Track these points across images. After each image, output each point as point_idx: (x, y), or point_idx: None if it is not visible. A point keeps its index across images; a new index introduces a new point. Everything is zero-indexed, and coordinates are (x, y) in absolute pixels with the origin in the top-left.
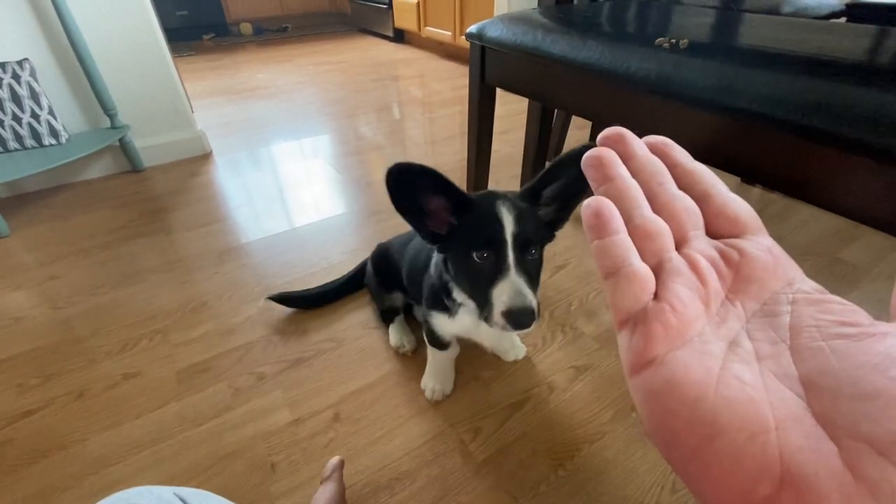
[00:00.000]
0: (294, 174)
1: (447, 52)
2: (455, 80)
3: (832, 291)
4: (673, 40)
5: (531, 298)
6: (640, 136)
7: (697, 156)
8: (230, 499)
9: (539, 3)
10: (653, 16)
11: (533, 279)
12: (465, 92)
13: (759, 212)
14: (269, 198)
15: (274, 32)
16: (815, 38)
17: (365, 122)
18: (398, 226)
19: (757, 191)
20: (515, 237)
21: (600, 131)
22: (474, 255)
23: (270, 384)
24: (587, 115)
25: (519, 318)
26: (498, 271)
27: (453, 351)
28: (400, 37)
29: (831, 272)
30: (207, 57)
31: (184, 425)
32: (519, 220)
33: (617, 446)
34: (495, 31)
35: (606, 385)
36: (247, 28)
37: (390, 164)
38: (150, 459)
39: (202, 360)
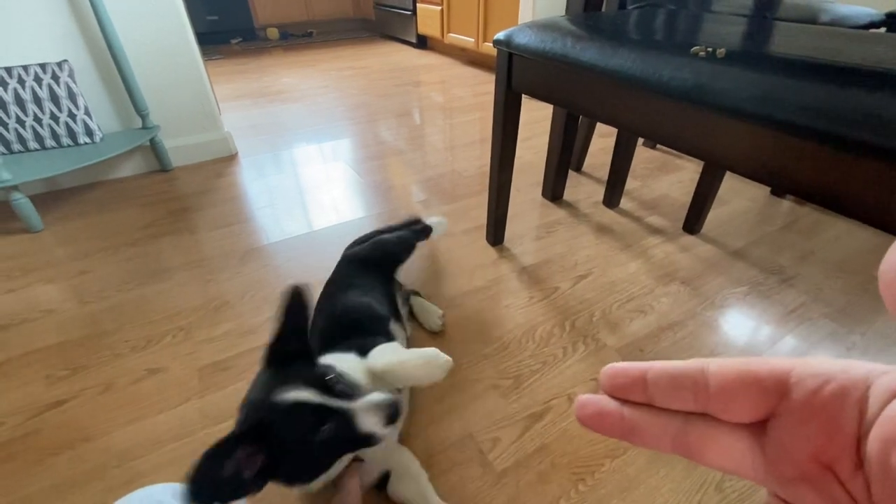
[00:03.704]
0: (316, 177)
1: (470, 58)
2: (477, 87)
3: (867, 312)
4: (709, 49)
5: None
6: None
7: (734, 167)
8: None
9: (567, 11)
10: (684, 24)
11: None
12: (487, 98)
13: (789, 225)
14: (292, 200)
15: (299, 37)
16: (857, 48)
17: (386, 127)
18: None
19: (787, 203)
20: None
21: (625, 139)
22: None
23: None
24: (617, 123)
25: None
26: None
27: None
28: (423, 43)
29: (866, 290)
30: (235, 61)
31: (205, 423)
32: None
33: (639, 463)
34: (523, 38)
35: None
36: (273, 33)
37: (411, 168)
38: (172, 455)
39: (224, 358)
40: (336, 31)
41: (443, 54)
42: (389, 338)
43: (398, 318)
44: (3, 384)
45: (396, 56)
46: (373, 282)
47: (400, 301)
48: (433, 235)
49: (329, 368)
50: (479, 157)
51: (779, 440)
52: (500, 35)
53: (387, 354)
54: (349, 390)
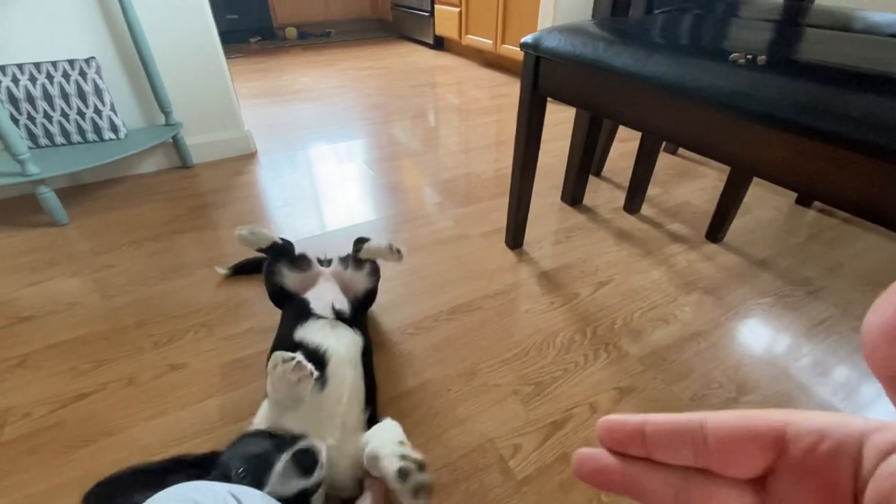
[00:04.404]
0: (333, 177)
1: (487, 60)
2: (494, 89)
3: None
4: (749, 56)
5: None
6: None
7: (773, 177)
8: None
9: (593, 14)
10: (714, 29)
11: None
12: (504, 101)
13: (815, 236)
14: (309, 199)
15: (317, 37)
16: None
17: (403, 128)
18: (434, 233)
19: (812, 213)
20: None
21: (649, 145)
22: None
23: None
24: (648, 129)
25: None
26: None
27: None
28: (440, 44)
29: None
30: (254, 59)
31: (225, 420)
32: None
33: None
34: (552, 42)
35: (653, 410)
36: (292, 32)
37: (427, 170)
38: (193, 451)
39: (244, 356)
40: (354, 31)
41: (460, 56)
42: (297, 346)
43: (309, 316)
44: (29, 375)
45: (413, 57)
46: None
47: (352, 267)
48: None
49: (229, 468)
50: (497, 160)
51: (779, 497)
52: (528, 38)
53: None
54: (256, 469)
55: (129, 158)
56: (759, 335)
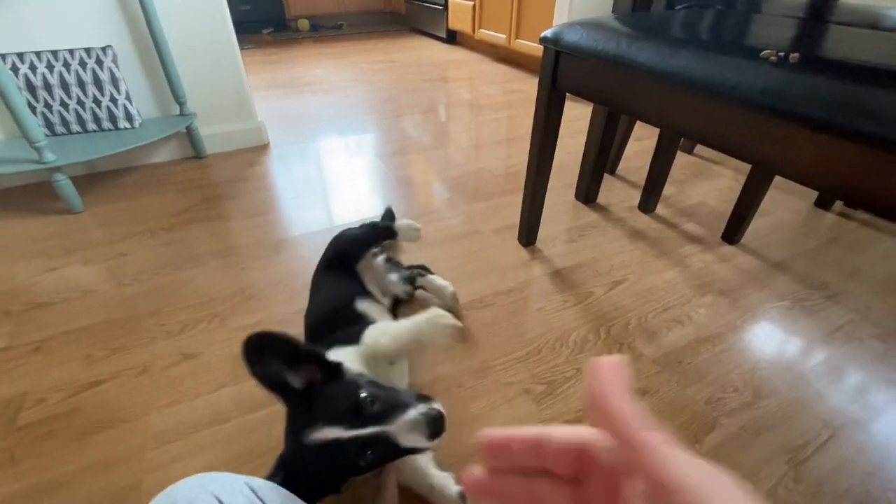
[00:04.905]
0: (344, 170)
1: (500, 55)
2: (506, 84)
3: None
4: (781, 53)
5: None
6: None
7: (803, 179)
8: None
9: (613, 10)
10: (738, 25)
11: None
12: (516, 96)
13: (833, 240)
14: (320, 192)
15: (330, 29)
16: None
17: (415, 123)
18: (445, 228)
19: (831, 216)
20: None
21: (667, 143)
22: None
23: None
24: (672, 127)
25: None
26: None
27: None
28: (452, 38)
29: None
30: (266, 51)
31: (239, 410)
32: None
33: None
34: (573, 37)
35: (667, 412)
36: (304, 24)
37: (439, 165)
38: (206, 441)
39: None
40: (366, 23)
41: (472, 50)
42: (360, 316)
43: (367, 294)
44: (45, 361)
45: (426, 51)
46: (335, 275)
47: (398, 279)
48: (400, 240)
49: (361, 383)
50: (509, 156)
51: (588, 493)
52: (548, 33)
53: (381, 332)
54: (388, 404)
55: (143, 148)
56: (775, 339)
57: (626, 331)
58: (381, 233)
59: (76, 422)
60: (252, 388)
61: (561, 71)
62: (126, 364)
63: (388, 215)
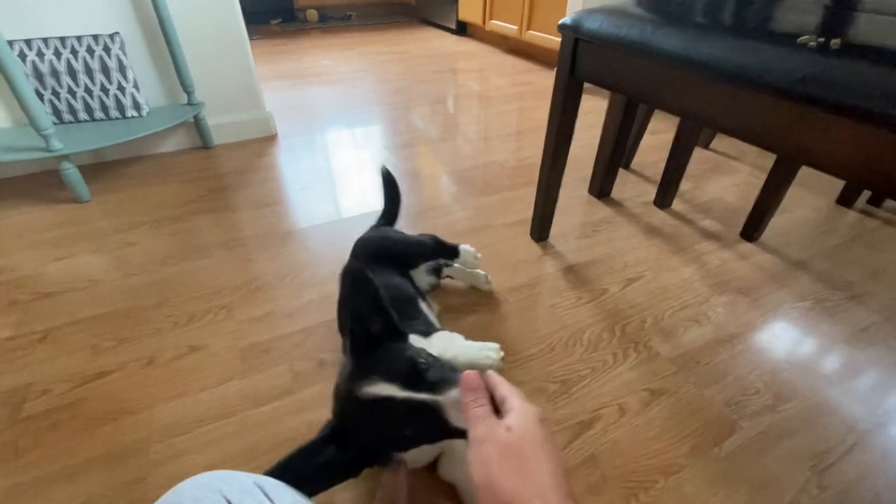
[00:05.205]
0: (352, 162)
1: (510, 46)
2: (517, 76)
3: None
4: (821, 39)
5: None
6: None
7: (836, 168)
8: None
9: None
10: (767, 9)
11: None
12: (527, 88)
13: (856, 238)
14: (327, 184)
15: (338, 20)
16: None
17: (423, 114)
18: (455, 222)
19: (853, 214)
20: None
21: (686, 137)
22: None
23: (330, 371)
24: (698, 117)
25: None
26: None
27: None
28: (462, 29)
29: None
30: (274, 41)
31: (245, 404)
32: None
33: (697, 483)
34: (594, 23)
35: (684, 414)
36: (313, 15)
37: (449, 157)
38: (212, 435)
39: (264, 339)
40: (375, 14)
41: (482, 41)
42: (422, 318)
43: (423, 297)
44: (51, 350)
45: (435, 42)
46: (388, 270)
47: (425, 269)
48: (458, 263)
49: (420, 351)
50: (520, 149)
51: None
52: (567, 20)
53: (448, 342)
54: (443, 375)
55: (150, 137)
56: (797, 341)
57: (641, 329)
58: (444, 251)
59: (81, 413)
60: (258, 381)
61: (580, 59)
62: (132, 355)
63: (388, 179)
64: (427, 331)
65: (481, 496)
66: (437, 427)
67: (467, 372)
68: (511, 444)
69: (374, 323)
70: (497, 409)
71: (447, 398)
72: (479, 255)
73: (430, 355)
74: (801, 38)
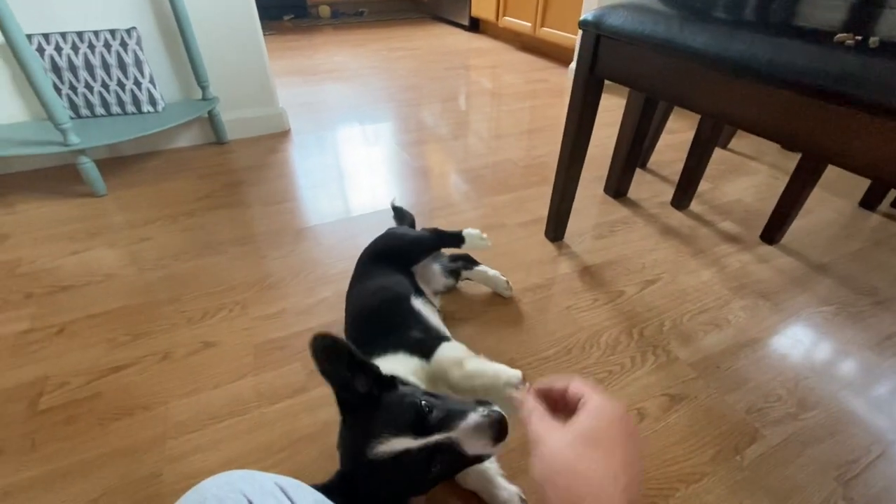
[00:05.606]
0: (364, 159)
1: (523, 43)
2: (530, 74)
3: None
4: (858, 37)
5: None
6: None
7: (869, 169)
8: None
9: None
10: (796, 5)
11: None
12: (540, 86)
13: (880, 242)
14: (340, 181)
15: (350, 16)
16: None
17: (436, 112)
18: (469, 221)
19: (877, 217)
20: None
21: (705, 137)
22: None
23: None
24: (724, 116)
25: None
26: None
27: None
28: (475, 26)
29: None
30: (286, 37)
31: (260, 401)
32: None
33: (719, 491)
34: (617, 20)
35: (705, 420)
36: (325, 11)
37: (462, 155)
38: (226, 432)
39: (279, 336)
40: (387, 11)
41: (495, 38)
42: (414, 316)
43: (420, 293)
44: (67, 344)
45: (447, 39)
46: (387, 269)
47: (440, 270)
48: (466, 248)
49: (417, 393)
50: (534, 147)
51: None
52: (588, 15)
53: (455, 362)
54: (448, 409)
55: (165, 132)
56: (820, 346)
57: (660, 332)
58: (447, 240)
59: (97, 407)
60: (273, 378)
61: (601, 56)
62: (147, 350)
63: (399, 215)
64: (425, 346)
65: (548, 493)
66: (457, 461)
67: (514, 395)
68: (577, 436)
69: (358, 384)
70: (569, 408)
71: (459, 432)
72: (484, 235)
73: (427, 393)
74: (839, 36)
